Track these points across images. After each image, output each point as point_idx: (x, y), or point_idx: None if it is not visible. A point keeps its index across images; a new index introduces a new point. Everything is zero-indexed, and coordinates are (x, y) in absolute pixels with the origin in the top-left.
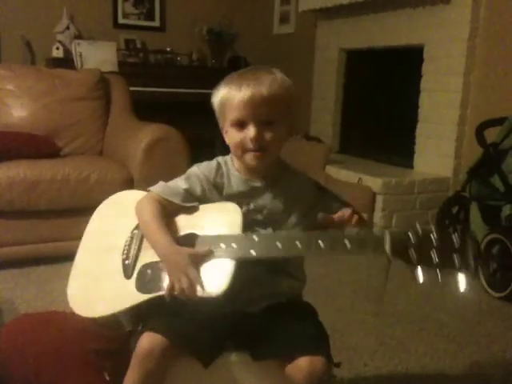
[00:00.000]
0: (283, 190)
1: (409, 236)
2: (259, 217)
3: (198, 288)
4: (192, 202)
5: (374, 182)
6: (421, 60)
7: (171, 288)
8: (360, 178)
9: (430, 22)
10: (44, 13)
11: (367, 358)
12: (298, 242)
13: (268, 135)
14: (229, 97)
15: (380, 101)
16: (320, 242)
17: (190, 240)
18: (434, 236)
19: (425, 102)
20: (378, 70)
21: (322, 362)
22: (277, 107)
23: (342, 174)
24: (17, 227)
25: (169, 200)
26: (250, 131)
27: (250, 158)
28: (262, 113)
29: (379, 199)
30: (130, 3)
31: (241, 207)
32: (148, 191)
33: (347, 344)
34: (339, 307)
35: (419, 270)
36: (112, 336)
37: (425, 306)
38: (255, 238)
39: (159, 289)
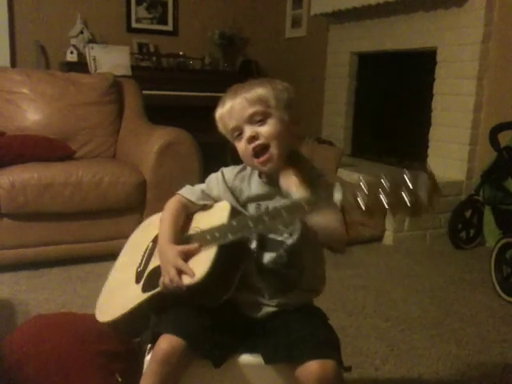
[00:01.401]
0: None
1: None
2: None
3: (185, 277)
4: (207, 201)
5: None
6: (434, 63)
7: (163, 281)
8: None
9: (443, 25)
10: (58, 17)
11: (379, 363)
12: (266, 217)
13: (263, 130)
14: (219, 115)
15: (392, 104)
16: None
17: (188, 240)
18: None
19: (438, 105)
20: (391, 74)
21: (332, 367)
22: (262, 104)
23: (354, 178)
24: (30, 229)
25: (187, 198)
26: (246, 132)
27: (258, 165)
28: (248, 113)
29: None
30: (143, 7)
31: (258, 208)
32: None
33: (358, 348)
34: (351, 311)
35: None
36: (123, 338)
37: (437, 311)
38: (234, 222)
39: (157, 286)
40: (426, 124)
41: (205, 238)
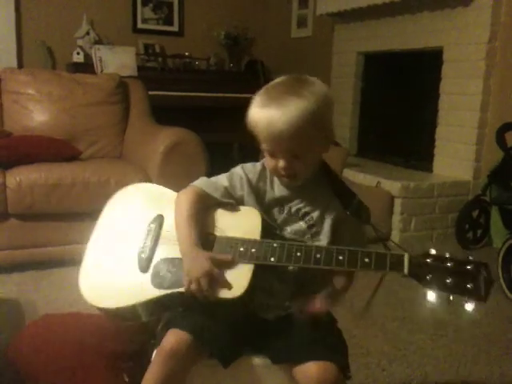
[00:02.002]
0: (320, 194)
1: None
2: (296, 219)
3: (216, 290)
4: (229, 199)
5: (393, 186)
6: (440, 63)
7: (188, 287)
8: (378, 182)
9: (450, 24)
10: (64, 18)
11: (385, 364)
12: (318, 254)
13: (298, 165)
14: (255, 123)
15: (398, 104)
16: (340, 256)
17: (211, 241)
18: (449, 263)
19: (444, 105)
20: (397, 73)
21: (332, 370)
22: (302, 140)
23: (360, 178)
24: (38, 230)
25: (209, 194)
26: (280, 163)
27: (286, 181)
28: (286, 148)
29: (398, 203)
30: (149, 8)
31: (282, 210)
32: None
33: (365, 349)
34: (357, 311)
35: (430, 294)
36: (131, 337)
37: (443, 311)
38: (275, 244)
39: (176, 286)
40: (432, 124)
41: (236, 247)
